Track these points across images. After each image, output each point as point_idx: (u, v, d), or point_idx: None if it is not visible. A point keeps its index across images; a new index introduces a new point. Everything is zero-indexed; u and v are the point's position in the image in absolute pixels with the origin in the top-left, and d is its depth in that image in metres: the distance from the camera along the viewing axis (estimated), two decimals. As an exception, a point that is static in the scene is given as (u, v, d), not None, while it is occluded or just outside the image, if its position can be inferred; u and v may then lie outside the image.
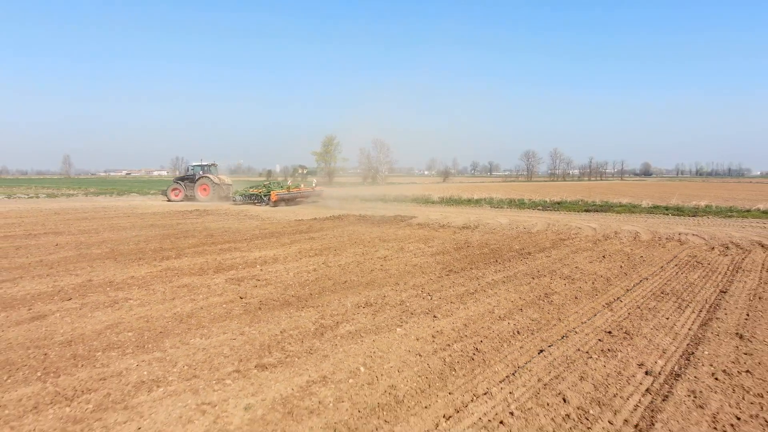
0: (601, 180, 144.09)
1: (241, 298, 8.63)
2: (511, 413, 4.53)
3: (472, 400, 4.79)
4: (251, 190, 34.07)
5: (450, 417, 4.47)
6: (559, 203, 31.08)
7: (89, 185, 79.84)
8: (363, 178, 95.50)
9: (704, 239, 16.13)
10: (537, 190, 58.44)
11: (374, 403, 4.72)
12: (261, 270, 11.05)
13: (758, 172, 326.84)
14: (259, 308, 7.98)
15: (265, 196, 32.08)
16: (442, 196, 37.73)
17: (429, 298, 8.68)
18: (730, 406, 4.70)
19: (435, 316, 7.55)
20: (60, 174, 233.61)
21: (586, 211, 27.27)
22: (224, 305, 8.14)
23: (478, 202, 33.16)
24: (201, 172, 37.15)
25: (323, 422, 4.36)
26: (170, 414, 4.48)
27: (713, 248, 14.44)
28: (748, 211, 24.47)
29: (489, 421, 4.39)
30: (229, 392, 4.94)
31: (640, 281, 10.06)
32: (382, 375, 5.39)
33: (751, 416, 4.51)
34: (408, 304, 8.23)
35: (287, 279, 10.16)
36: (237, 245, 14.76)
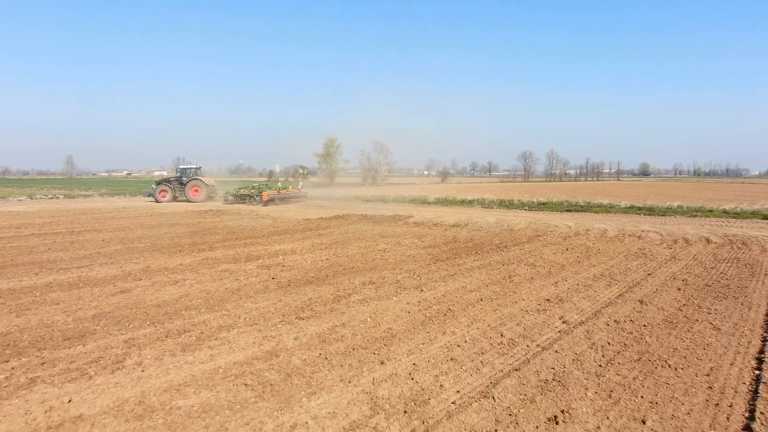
0: (597, 180, 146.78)
1: (273, 278, 11.18)
2: (465, 341, 7.09)
3: (441, 335, 7.36)
4: (242, 191, 37.27)
5: (426, 343, 7.03)
6: (544, 203, 33.66)
7: (97, 185, 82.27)
8: (363, 179, 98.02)
9: (661, 235, 18.68)
10: (529, 191, 61.00)
11: (377, 336, 7.29)
12: (283, 259, 13.61)
13: (756, 172, 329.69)
14: (289, 285, 10.54)
15: (257, 196, 35.17)
16: (438, 197, 40.30)
17: (418, 278, 11.23)
18: (606, 337, 7.28)
19: (422, 290, 10.11)
20: (62, 174, 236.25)
21: (568, 210, 29.84)
22: (262, 283, 10.68)
23: (470, 203, 35.72)
24: (192, 175, 39.63)
25: (345, 345, 6.92)
26: (247, 341, 7.05)
27: (663, 243, 17.01)
28: (711, 211, 27.05)
29: (450, 345, 6.95)
30: (281, 331, 7.51)
31: (589, 268, 12.61)
32: (382, 322, 7.96)
33: (618, 342, 7.08)
34: (402, 283, 10.79)
35: (306, 265, 12.72)
36: (258, 240, 17.31)
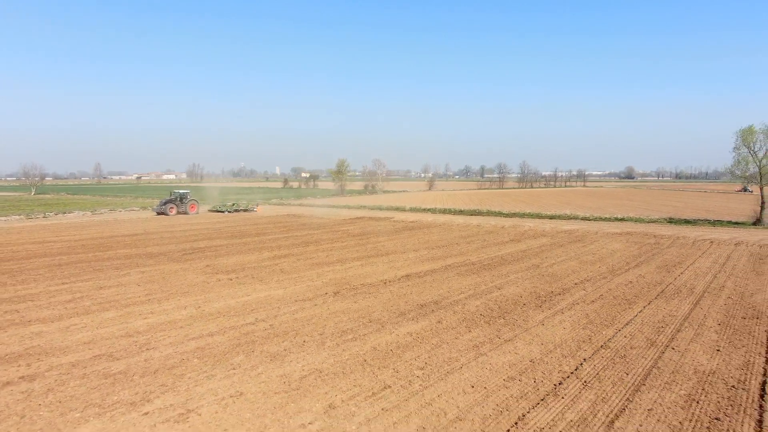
0: (566, 186, 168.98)
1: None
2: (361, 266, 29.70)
3: (374, 256, 29.93)
4: (230, 205, 58.80)
5: (363, 259, 29.62)
6: (477, 210, 56.16)
7: (129, 192, 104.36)
8: (365, 186, 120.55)
9: (504, 226, 41.09)
10: (485, 199, 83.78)
11: (383, 270, 29.91)
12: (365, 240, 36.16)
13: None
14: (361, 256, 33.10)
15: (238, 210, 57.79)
16: (412, 206, 62.92)
17: (390, 239, 33.77)
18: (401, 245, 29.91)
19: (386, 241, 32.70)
20: (92, 179, 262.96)
21: (478, 214, 52.34)
22: (354, 251, 33.20)
23: (432, 210, 58.24)
24: (186, 195, 54.83)
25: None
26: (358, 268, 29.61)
27: (504, 227, 39.45)
28: (544, 214, 49.58)
29: (388, 263, 29.54)
30: (376, 266, 30.10)
31: (456, 239, 35.08)
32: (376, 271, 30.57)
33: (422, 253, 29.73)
34: (383, 238, 33.34)
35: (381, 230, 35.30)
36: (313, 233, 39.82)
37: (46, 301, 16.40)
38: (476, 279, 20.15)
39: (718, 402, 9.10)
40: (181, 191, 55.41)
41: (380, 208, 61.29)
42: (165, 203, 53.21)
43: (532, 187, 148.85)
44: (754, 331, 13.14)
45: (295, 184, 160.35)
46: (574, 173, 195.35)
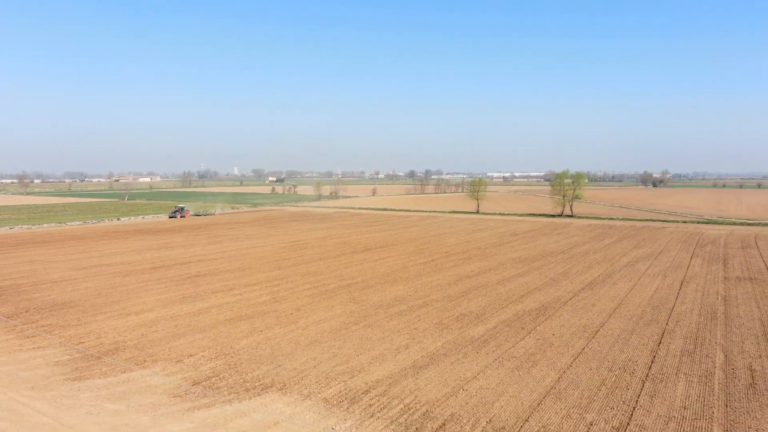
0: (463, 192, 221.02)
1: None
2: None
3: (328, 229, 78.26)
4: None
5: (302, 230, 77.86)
6: (390, 207, 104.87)
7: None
8: (330, 193, 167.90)
9: (394, 214, 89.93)
10: (400, 202, 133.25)
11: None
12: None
13: (714, 176, 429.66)
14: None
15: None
16: (360, 206, 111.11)
17: (313, 222, 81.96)
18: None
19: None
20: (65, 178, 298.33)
21: (395, 210, 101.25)
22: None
23: (357, 209, 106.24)
24: (182, 208, 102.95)
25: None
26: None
27: (393, 215, 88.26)
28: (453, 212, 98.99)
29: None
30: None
31: (371, 225, 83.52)
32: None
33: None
34: (327, 225, 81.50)
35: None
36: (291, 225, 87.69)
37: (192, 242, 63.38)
38: (378, 231, 68.65)
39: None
40: (180, 206, 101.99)
41: (342, 207, 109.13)
42: (175, 212, 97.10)
43: (444, 192, 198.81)
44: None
45: (280, 190, 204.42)
46: (507, 175, 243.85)
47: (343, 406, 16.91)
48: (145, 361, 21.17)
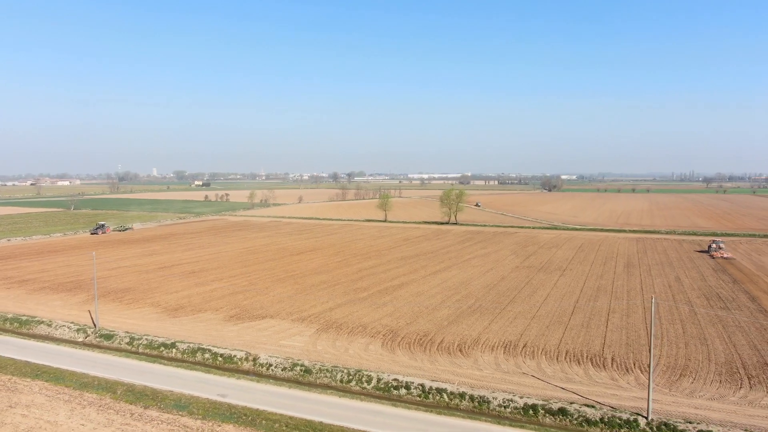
0: (376, 198, 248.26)
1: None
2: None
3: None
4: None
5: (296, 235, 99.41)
6: (313, 217, 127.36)
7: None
8: (261, 201, 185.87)
9: (315, 220, 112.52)
10: (324, 210, 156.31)
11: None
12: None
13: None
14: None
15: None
16: (290, 215, 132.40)
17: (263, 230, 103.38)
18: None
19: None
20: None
21: (321, 219, 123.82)
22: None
23: (288, 218, 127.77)
24: (103, 224, 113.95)
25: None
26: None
27: (313, 221, 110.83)
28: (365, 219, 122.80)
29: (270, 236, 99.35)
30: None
31: (301, 233, 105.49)
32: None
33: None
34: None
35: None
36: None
37: (171, 248, 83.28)
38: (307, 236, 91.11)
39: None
40: (101, 222, 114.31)
41: (275, 216, 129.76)
42: (97, 228, 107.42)
43: (363, 199, 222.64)
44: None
45: (212, 196, 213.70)
46: (425, 177, 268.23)
47: (301, 322, 40.35)
48: (200, 311, 43.36)
